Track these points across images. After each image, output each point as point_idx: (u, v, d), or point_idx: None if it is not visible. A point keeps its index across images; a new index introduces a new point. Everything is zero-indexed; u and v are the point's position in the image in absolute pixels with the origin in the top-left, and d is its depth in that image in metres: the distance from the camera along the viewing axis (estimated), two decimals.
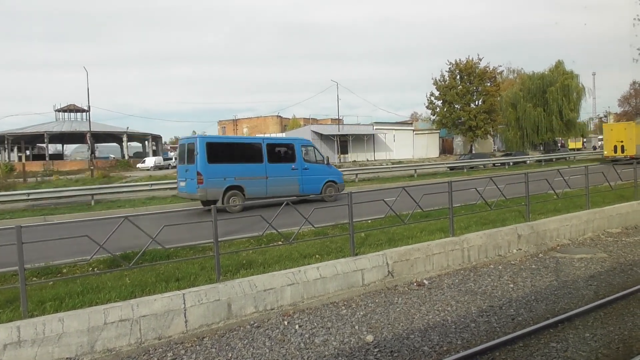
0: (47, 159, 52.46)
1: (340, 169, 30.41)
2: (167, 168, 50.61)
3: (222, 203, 13.80)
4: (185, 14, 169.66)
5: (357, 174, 27.61)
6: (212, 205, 6.34)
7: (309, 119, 76.40)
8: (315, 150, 17.01)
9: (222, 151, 14.68)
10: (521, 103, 42.58)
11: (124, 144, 58.29)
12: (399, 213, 8.08)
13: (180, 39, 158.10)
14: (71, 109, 60.53)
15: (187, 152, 14.75)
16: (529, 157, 38.27)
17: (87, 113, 44.26)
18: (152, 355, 5.02)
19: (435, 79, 47.69)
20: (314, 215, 7.14)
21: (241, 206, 14.11)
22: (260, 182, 14.77)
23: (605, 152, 32.04)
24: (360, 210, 7.93)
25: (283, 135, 60.90)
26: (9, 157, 53.85)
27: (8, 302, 5.45)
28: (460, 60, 46.50)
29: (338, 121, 51.47)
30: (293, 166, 15.74)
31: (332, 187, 16.48)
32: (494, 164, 35.72)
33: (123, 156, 58.22)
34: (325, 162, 16.96)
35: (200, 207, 14.88)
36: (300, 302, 6.30)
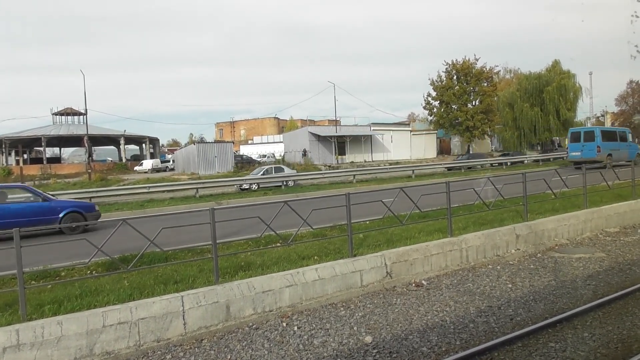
0: (44, 162, 52.19)
1: (337, 170, 30.51)
2: (165, 170, 50.31)
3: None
4: (182, 16, 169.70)
5: (354, 175, 27.64)
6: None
7: (306, 120, 76.53)
8: (632, 135, 30.21)
9: (605, 135, 25.87)
10: (518, 103, 42.74)
11: (122, 146, 58.08)
12: (397, 214, 8.09)
13: (177, 41, 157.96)
14: (68, 112, 60.36)
15: (582, 136, 25.81)
16: (526, 157, 38.29)
17: (85, 116, 44.25)
18: (150, 358, 5.01)
19: (432, 80, 47.74)
20: (312, 216, 7.14)
21: (611, 164, 22.05)
22: (616, 152, 25.77)
23: None
24: (359, 211, 7.93)
25: (280, 136, 61.36)
26: (6, 161, 53.66)
27: (7, 306, 5.44)
28: (456, 60, 46.57)
29: (335, 122, 51.36)
30: (625, 144, 26.97)
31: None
32: (491, 164, 35.74)
33: (120, 159, 58.06)
34: (638, 142, 32.23)
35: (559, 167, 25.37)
36: (299, 304, 6.30)
